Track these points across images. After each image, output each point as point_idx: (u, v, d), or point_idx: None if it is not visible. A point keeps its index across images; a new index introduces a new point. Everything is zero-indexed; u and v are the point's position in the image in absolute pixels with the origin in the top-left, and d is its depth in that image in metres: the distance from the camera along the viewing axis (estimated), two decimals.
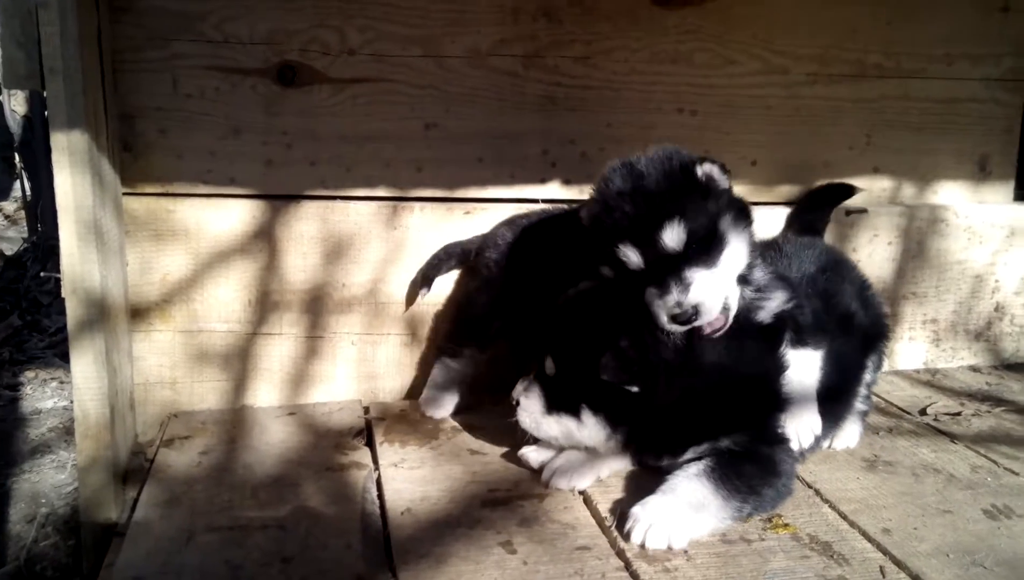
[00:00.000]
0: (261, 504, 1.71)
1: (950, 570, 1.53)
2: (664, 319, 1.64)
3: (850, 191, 2.43)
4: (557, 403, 1.78)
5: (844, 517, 1.71)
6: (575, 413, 1.75)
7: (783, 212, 2.43)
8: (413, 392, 2.30)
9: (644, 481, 1.76)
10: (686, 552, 1.56)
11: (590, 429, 1.75)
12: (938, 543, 1.62)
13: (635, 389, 1.68)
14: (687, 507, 1.61)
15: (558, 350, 1.78)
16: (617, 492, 1.78)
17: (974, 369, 2.62)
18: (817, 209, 2.44)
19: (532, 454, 1.88)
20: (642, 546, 1.56)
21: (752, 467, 1.70)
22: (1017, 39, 2.58)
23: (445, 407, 2.18)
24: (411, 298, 2.24)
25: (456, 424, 2.13)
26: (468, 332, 2.18)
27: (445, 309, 2.28)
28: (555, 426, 1.79)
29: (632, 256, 1.67)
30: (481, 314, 2.17)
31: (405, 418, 2.17)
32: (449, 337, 2.22)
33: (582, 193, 2.33)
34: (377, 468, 1.88)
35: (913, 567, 1.53)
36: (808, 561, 1.55)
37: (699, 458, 1.72)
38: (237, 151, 2.13)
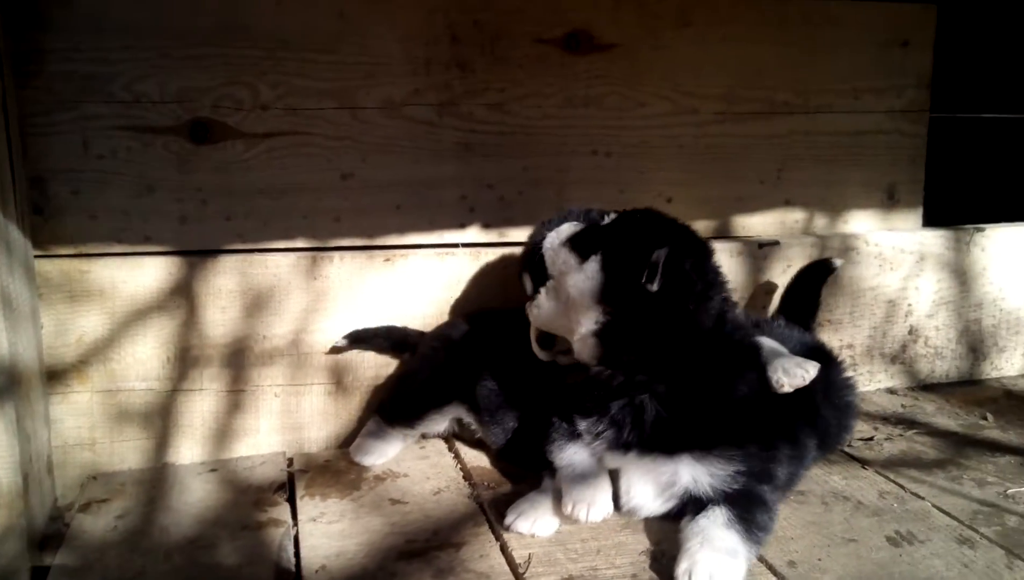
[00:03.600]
0: (174, 568, 1.70)
1: None
2: None
3: (830, 266, 2.48)
4: None
5: None
6: None
7: None
8: (340, 441, 2.30)
9: (577, 531, 1.81)
10: None
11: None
12: (840, 573, 1.66)
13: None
14: (726, 554, 1.64)
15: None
16: (532, 536, 1.81)
17: (891, 391, 2.70)
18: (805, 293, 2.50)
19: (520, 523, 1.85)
20: None
21: (759, 512, 1.73)
22: (918, 72, 2.68)
23: (375, 455, 2.19)
24: (331, 347, 2.26)
25: (379, 473, 2.14)
26: (404, 410, 2.22)
27: (372, 360, 2.30)
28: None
29: None
30: (420, 395, 2.22)
31: (329, 469, 2.17)
32: (388, 407, 2.25)
33: (501, 236, 2.39)
34: (295, 524, 1.89)
35: None
36: None
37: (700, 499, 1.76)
38: (151, 209, 2.13)
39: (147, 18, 2.08)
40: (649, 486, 1.83)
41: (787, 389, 1.86)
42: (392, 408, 2.23)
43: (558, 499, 1.84)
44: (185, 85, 2.10)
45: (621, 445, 1.81)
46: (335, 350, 2.25)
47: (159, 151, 2.11)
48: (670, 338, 1.77)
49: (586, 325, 1.82)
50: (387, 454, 2.20)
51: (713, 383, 1.80)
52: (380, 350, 2.29)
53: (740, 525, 1.69)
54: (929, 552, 1.74)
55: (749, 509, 1.72)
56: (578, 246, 1.86)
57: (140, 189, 2.12)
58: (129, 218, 2.12)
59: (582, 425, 1.85)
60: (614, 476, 1.87)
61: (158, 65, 2.08)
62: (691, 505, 1.77)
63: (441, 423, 2.25)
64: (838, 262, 2.45)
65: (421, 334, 2.30)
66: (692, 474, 1.76)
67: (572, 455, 1.88)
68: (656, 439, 1.79)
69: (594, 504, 1.80)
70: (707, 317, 1.80)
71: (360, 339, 2.26)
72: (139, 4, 2.07)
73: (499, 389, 2.14)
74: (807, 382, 1.88)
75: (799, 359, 1.92)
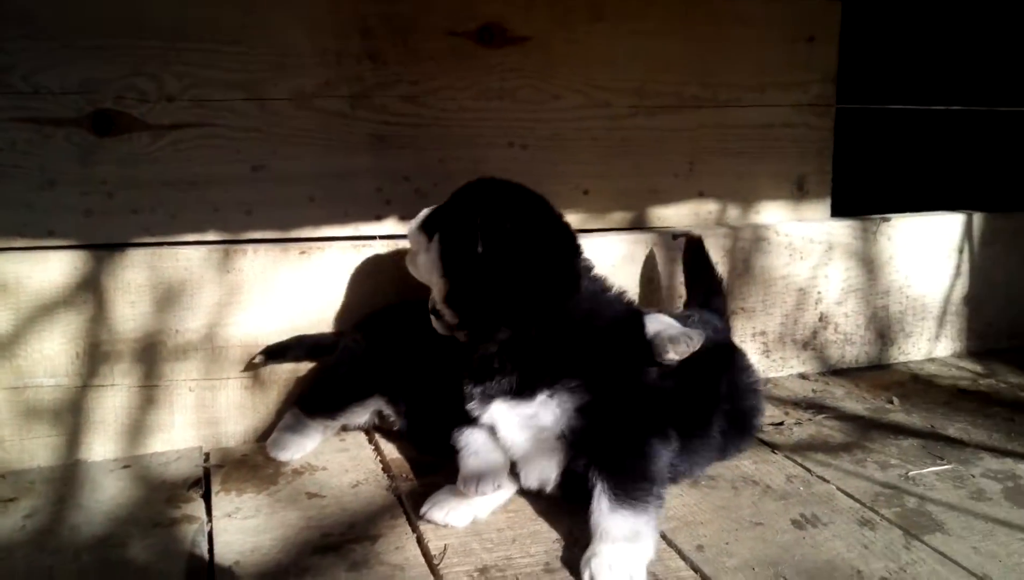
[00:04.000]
0: (83, 568, 1.67)
1: None
2: None
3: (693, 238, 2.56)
4: None
5: (663, 536, 1.79)
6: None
7: (616, 237, 2.53)
8: (258, 434, 2.28)
9: (494, 521, 1.85)
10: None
11: None
12: (746, 557, 1.72)
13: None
14: (624, 542, 1.67)
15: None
16: (448, 527, 1.83)
17: (803, 377, 2.78)
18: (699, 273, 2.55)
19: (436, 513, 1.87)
20: None
21: (639, 475, 1.77)
22: (823, 67, 2.77)
23: (292, 450, 2.17)
24: (248, 363, 2.24)
25: (298, 466, 2.13)
26: (326, 401, 2.22)
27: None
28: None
29: None
30: (341, 387, 2.22)
31: (246, 463, 2.15)
32: (308, 398, 2.24)
33: None
34: (210, 520, 1.87)
35: None
36: None
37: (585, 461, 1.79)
38: (54, 202, 2.08)
39: (47, 8, 2.03)
40: (519, 434, 1.88)
41: (672, 356, 1.90)
42: (313, 400, 2.22)
43: None
44: (87, 76, 2.06)
45: (489, 397, 1.88)
46: (252, 366, 2.23)
47: (61, 143, 2.06)
48: (511, 295, 1.83)
49: (439, 296, 1.91)
50: (305, 448, 2.19)
51: (568, 332, 1.86)
52: (298, 360, 2.28)
53: (626, 502, 1.71)
54: (831, 534, 1.81)
55: (629, 476, 1.75)
56: (426, 226, 1.97)
57: (42, 182, 2.07)
58: (32, 211, 2.07)
59: (467, 391, 1.91)
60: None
61: (58, 56, 2.03)
62: (574, 462, 1.83)
63: (362, 415, 2.24)
64: (696, 232, 2.54)
65: (337, 334, 2.29)
66: (548, 410, 1.83)
67: (468, 436, 1.92)
68: (517, 387, 1.86)
69: (483, 479, 1.85)
70: (546, 274, 1.85)
71: (275, 354, 2.24)
72: None
73: (414, 379, 2.15)
74: (692, 350, 1.91)
75: (684, 328, 1.96)
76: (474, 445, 1.91)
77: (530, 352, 1.85)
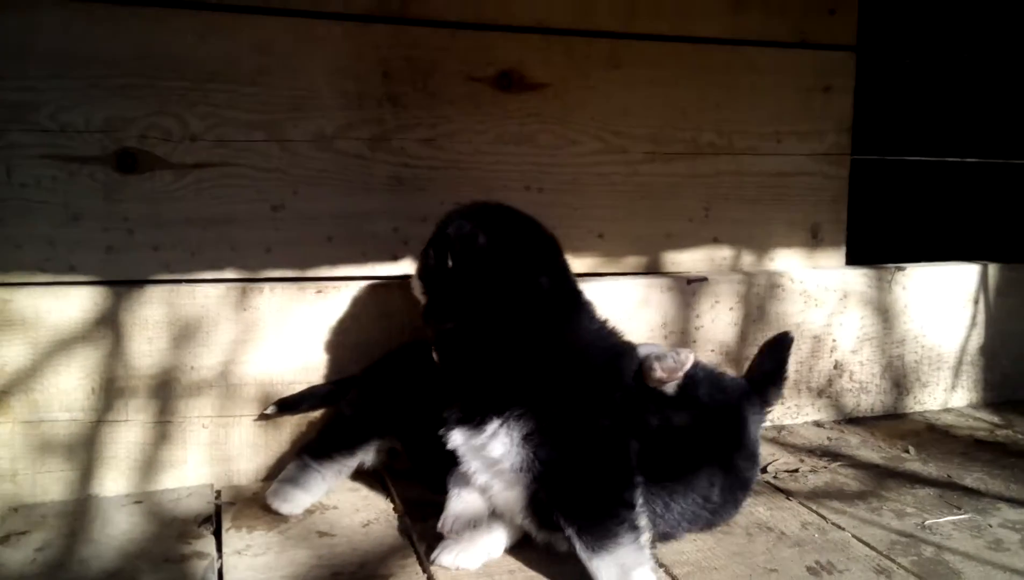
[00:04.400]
0: None
1: None
2: None
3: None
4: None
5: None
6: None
7: (631, 281, 2.53)
8: (270, 473, 2.28)
9: (505, 562, 1.83)
10: None
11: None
12: None
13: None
14: None
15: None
16: (460, 571, 1.81)
17: (818, 424, 2.76)
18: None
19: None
20: None
21: (609, 518, 1.70)
22: (838, 116, 2.79)
23: (292, 503, 2.09)
24: (260, 414, 2.25)
25: (308, 506, 2.12)
26: (337, 443, 2.18)
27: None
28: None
29: None
30: (351, 429, 2.20)
31: (257, 501, 2.14)
32: (318, 442, 2.21)
33: None
34: (220, 557, 1.86)
35: None
36: None
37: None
38: (77, 238, 2.12)
39: (75, 47, 2.08)
40: (480, 465, 1.84)
41: (659, 374, 1.87)
42: (322, 444, 2.19)
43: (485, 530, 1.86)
44: (112, 115, 2.11)
45: (454, 425, 1.84)
46: (264, 417, 2.24)
47: (85, 180, 2.10)
48: (477, 312, 1.81)
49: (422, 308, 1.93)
50: (306, 504, 2.10)
51: (535, 358, 1.80)
52: (312, 410, 2.29)
53: (601, 544, 1.66)
54: None
55: (595, 519, 1.68)
56: (424, 250, 1.98)
57: (65, 218, 2.10)
58: (54, 247, 2.10)
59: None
60: None
61: (85, 94, 2.08)
62: (537, 494, 1.77)
63: (371, 455, 2.22)
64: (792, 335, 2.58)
65: (349, 380, 2.29)
66: (498, 441, 1.77)
67: (455, 476, 1.93)
68: (465, 414, 1.81)
69: (457, 519, 1.86)
70: (519, 292, 1.82)
71: (288, 406, 2.25)
72: (67, 33, 2.07)
73: (419, 418, 2.15)
74: (680, 368, 1.88)
75: (674, 349, 1.93)
76: (458, 485, 1.91)
77: (485, 376, 1.81)
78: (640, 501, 1.72)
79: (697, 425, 1.95)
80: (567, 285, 1.93)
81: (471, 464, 1.85)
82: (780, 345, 2.57)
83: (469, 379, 1.84)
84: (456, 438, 1.84)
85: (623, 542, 1.66)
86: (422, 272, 1.95)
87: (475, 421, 1.79)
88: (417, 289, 1.99)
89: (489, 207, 1.98)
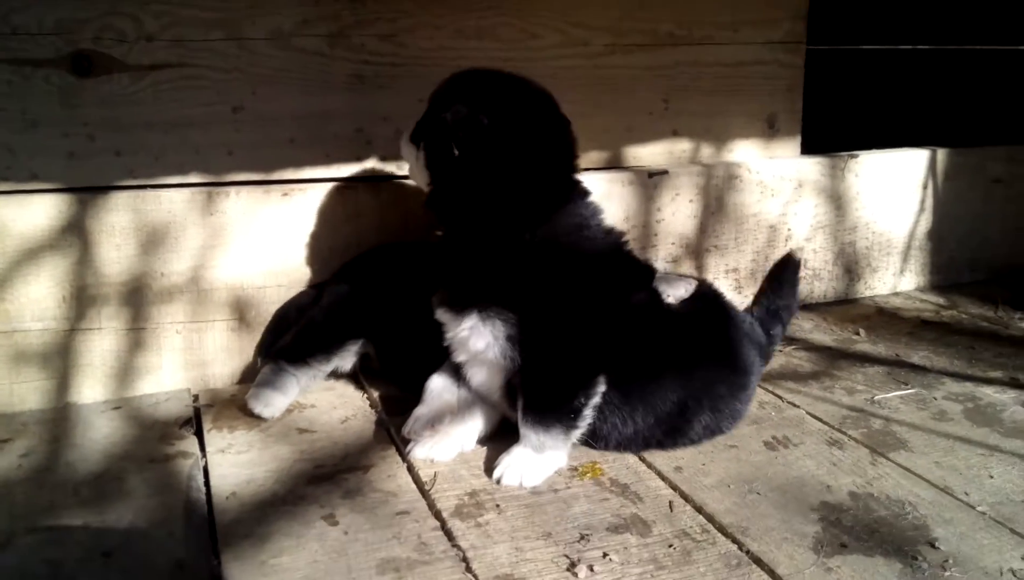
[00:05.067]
0: (83, 502, 1.72)
1: (729, 499, 1.72)
2: None
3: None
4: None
5: (642, 459, 1.88)
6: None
7: (594, 176, 2.55)
8: (245, 376, 2.32)
9: (482, 451, 1.92)
10: (498, 506, 1.69)
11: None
12: (722, 476, 1.81)
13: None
14: (531, 449, 1.81)
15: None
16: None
17: None
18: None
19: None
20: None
21: (556, 402, 1.82)
22: (795, 4, 2.80)
23: (273, 407, 2.11)
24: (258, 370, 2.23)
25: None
26: (312, 348, 2.20)
27: (275, 294, 2.31)
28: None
29: None
30: (326, 333, 2.22)
31: (235, 402, 2.19)
32: (292, 348, 2.19)
33: (400, 169, 2.41)
34: (204, 455, 1.92)
35: (698, 499, 1.71)
36: (607, 503, 1.70)
37: None
38: (36, 145, 2.08)
39: None
40: (461, 348, 1.92)
41: (670, 299, 1.97)
42: (298, 348, 2.19)
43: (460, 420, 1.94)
44: (64, 16, 2.04)
45: (443, 304, 1.92)
46: (265, 365, 2.22)
47: (40, 84, 2.05)
48: (484, 198, 1.82)
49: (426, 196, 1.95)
50: (284, 406, 2.14)
51: (525, 251, 1.82)
52: None
53: (539, 421, 1.81)
54: (802, 454, 1.91)
55: (544, 403, 1.82)
56: (414, 136, 1.97)
57: (24, 124, 2.06)
58: (14, 155, 2.06)
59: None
60: None
61: None
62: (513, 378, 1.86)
63: (348, 360, 2.26)
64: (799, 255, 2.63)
65: (316, 287, 2.31)
66: (478, 334, 1.85)
67: (430, 381, 2.02)
68: (457, 297, 1.88)
69: (418, 420, 1.95)
70: (527, 176, 1.82)
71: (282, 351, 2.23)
72: None
73: (394, 320, 2.20)
74: (687, 294, 1.99)
75: (682, 275, 2.02)
76: (429, 389, 2.00)
77: (478, 269, 1.84)
78: (591, 405, 1.82)
79: (680, 347, 1.96)
80: (570, 188, 1.91)
81: (454, 347, 1.93)
82: (788, 269, 2.63)
83: (461, 270, 1.87)
84: (442, 315, 1.92)
85: (553, 429, 1.80)
86: (428, 163, 1.90)
87: (458, 310, 1.86)
88: (420, 181, 1.97)
89: (482, 77, 1.91)
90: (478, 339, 1.84)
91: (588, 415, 1.82)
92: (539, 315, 1.81)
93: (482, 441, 1.95)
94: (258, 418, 2.09)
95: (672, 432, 1.91)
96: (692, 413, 1.90)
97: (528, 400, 1.82)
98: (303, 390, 2.20)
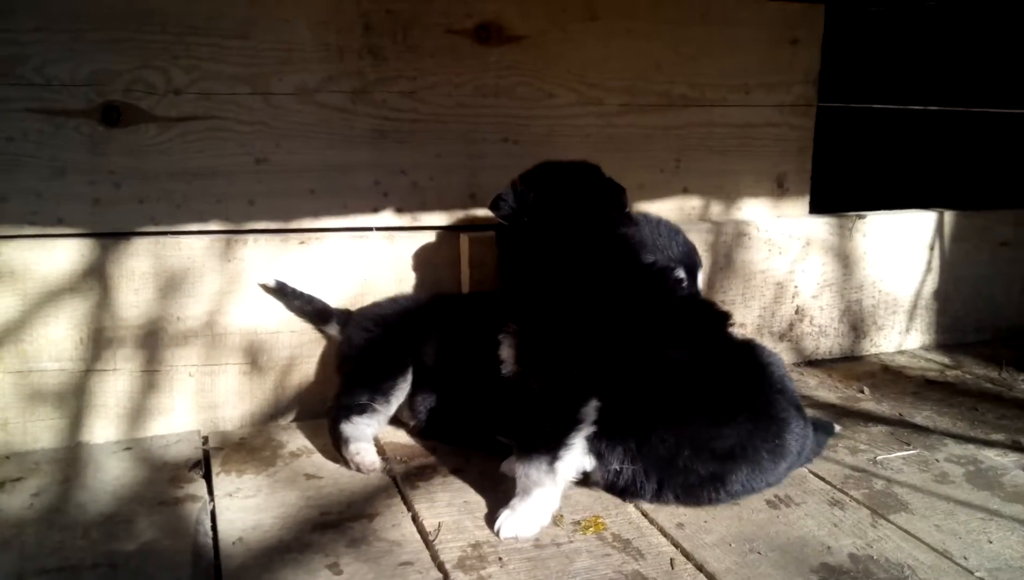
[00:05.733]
0: (92, 543, 1.75)
1: (730, 558, 1.73)
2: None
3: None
4: None
5: (645, 515, 1.90)
6: None
7: None
8: (255, 419, 2.36)
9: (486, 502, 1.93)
10: (500, 559, 1.71)
11: None
12: (723, 534, 1.83)
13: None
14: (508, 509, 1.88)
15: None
16: (443, 506, 1.92)
17: None
18: None
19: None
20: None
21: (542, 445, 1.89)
22: (805, 68, 2.87)
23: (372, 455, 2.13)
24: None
25: (295, 449, 2.21)
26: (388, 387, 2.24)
27: (287, 340, 2.35)
28: None
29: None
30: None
31: (244, 446, 2.23)
32: (347, 395, 2.22)
33: (415, 220, 2.47)
34: (212, 499, 1.95)
35: (699, 557, 1.73)
36: (609, 559, 1.72)
37: None
38: (63, 192, 2.15)
39: (58, 1, 2.08)
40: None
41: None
42: (371, 391, 2.21)
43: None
44: (97, 68, 2.12)
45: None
46: (264, 287, 2.30)
47: (71, 134, 2.13)
48: (519, 261, 2.09)
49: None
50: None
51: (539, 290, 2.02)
52: (299, 313, 2.35)
53: (521, 461, 1.88)
54: (803, 513, 1.92)
55: (530, 442, 1.89)
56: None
57: (52, 172, 2.13)
58: (41, 200, 2.13)
59: None
60: None
61: (71, 48, 2.10)
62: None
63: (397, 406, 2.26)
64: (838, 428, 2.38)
65: (346, 312, 2.36)
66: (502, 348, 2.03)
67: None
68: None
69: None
70: (561, 236, 2.03)
71: (284, 292, 2.31)
72: None
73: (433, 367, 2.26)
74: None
75: None
76: None
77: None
78: (578, 443, 1.87)
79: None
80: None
81: None
82: None
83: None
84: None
85: (534, 459, 1.85)
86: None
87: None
88: None
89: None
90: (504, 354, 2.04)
91: (571, 451, 1.87)
92: (543, 348, 1.96)
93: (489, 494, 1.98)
94: (264, 460, 2.13)
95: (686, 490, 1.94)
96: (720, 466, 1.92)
97: (521, 431, 1.94)
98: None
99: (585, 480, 1.96)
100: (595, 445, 1.89)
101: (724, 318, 2.09)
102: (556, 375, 1.90)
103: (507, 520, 1.82)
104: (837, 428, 2.34)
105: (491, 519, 1.86)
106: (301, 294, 2.33)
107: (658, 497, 1.93)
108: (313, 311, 2.35)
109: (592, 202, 2.12)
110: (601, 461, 1.91)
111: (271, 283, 2.30)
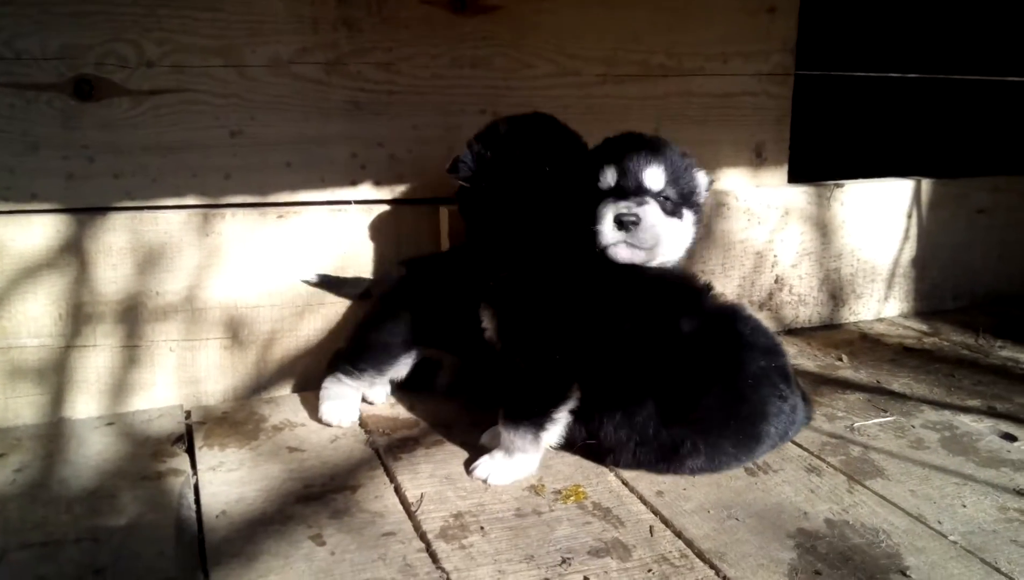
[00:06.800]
0: (76, 518, 1.75)
1: (708, 524, 1.76)
2: (608, 219, 1.93)
3: None
4: None
5: (625, 483, 1.92)
6: None
7: None
8: (238, 393, 2.36)
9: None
10: (482, 528, 1.73)
11: None
12: (702, 501, 1.85)
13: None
14: (500, 451, 1.97)
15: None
16: (425, 477, 1.93)
17: None
18: None
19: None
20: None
21: (523, 402, 1.97)
22: (783, 37, 2.86)
23: (349, 415, 2.22)
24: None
25: (277, 422, 2.22)
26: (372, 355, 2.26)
27: (267, 314, 2.35)
28: None
29: (610, 177, 1.97)
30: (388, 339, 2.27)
31: (227, 420, 2.23)
32: (350, 355, 2.27)
33: (393, 193, 2.46)
34: (195, 473, 1.95)
35: (678, 524, 1.75)
36: (589, 527, 1.74)
37: None
38: (37, 167, 2.13)
39: None
40: None
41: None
42: (356, 356, 2.25)
43: None
44: (68, 42, 2.09)
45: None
46: (307, 282, 2.36)
47: (43, 108, 2.10)
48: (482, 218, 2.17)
49: None
50: (355, 416, 2.24)
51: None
52: (348, 297, 2.40)
53: (508, 423, 1.95)
54: (781, 480, 1.95)
55: (514, 410, 1.96)
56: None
57: (25, 147, 2.11)
58: (14, 176, 2.11)
59: None
60: None
61: (40, 21, 2.06)
62: None
63: (405, 369, 2.31)
64: None
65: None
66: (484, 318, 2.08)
67: None
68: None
69: None
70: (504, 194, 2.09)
71: (329, 283, 2.36)
72: None
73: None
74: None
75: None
76: None
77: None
78: (563, 417, 1.95)
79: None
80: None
81: None
82: None
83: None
84: None
85: (521, 429, 1.93)
86: None
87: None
88: None
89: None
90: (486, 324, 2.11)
91: (555, 421, 1.95)
92: (526, 321, 2.00)
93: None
94: (248, 433, 2.14)
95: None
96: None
97: (506, 399, 1.99)
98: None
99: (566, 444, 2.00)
100: (579, 413, 1.96)
101: (701, 291, 2.09)
102: (539, 357, 1.94)
103: (484, 464, 1.95)
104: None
105: (468, 464, 1.96)
106: (346, 280, 2.37)
107: (635, 463, 1.96)
108: (365, 293, 2.38)
109: (552, 155, 2.12)
110: (582, 426, 1.97)
111: (313, 278, 2.34)
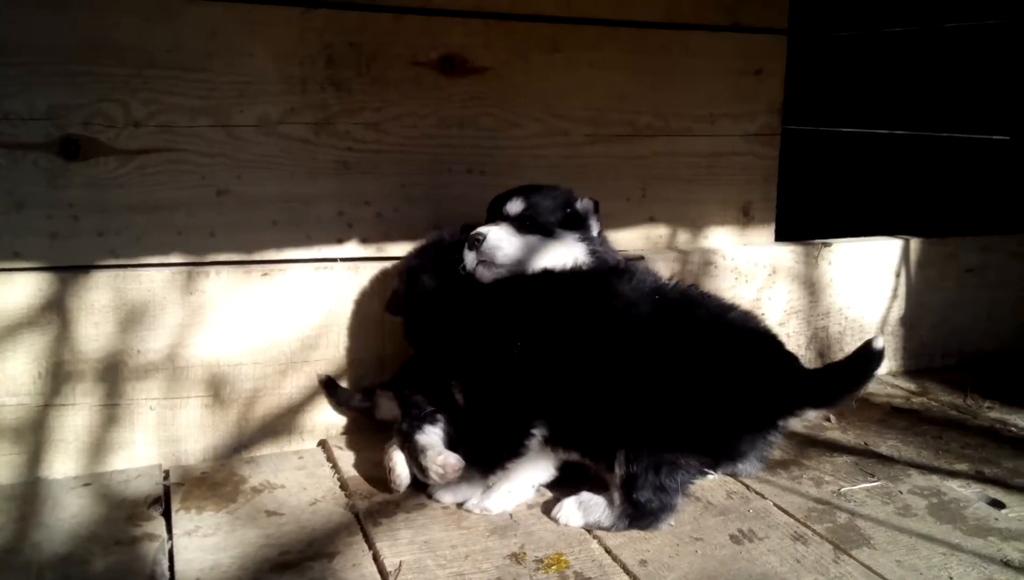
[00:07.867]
0: None
1: None
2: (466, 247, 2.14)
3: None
4: None
5: (609, 552, 1.89)
6: None
7: None
8: (218, 452, 2.33)
9: (447, 538, 1.90)
10: None
11: None
12: (686, 571, 1.82)
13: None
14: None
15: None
16: (404, 544, 1.90)
17: None
18: None
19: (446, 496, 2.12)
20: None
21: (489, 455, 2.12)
22: (770, 98, 2.89)
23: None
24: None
25: (257, 484, 2.19)
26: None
27: (250, 372, 2.34)
28: None
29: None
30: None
31: (206, 481, 2.20)
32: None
33: (380, 251, 2.46)
34: (170, 538, 1.92)
35: None
36: None
37: None
38: (21, 225, 2.12)
39: (15, 35, 2.07)
40: None
41: None
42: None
43: None
44: (55, 102, 2.11)
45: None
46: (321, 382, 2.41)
47: (29, 168, 2.11)
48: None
49: None
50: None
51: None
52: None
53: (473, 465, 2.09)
54: (767, 548, 1.92)
55: (478, 448, 2.11)
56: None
57: (9, 205, 2.11)
58: None
59: None
60: None
61: (27, 82, 2.07)
62: None
63: None
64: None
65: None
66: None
67: None
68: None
69: None
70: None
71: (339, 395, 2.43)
72: (6, 21, 2.06)
73: None
74: None
75: None
76: None
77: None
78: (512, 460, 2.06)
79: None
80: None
81: None
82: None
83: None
84: None
85: (472, 479, 2.07)
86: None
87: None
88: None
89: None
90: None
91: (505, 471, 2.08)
92: (476, 388, 2.17)
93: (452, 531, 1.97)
94: (226, 495, 2.11)
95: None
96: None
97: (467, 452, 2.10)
98: None
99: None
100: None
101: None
102: (500, 419, 2.08)
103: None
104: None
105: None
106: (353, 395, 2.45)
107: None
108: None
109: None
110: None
111: (323, 378, 2.42)
